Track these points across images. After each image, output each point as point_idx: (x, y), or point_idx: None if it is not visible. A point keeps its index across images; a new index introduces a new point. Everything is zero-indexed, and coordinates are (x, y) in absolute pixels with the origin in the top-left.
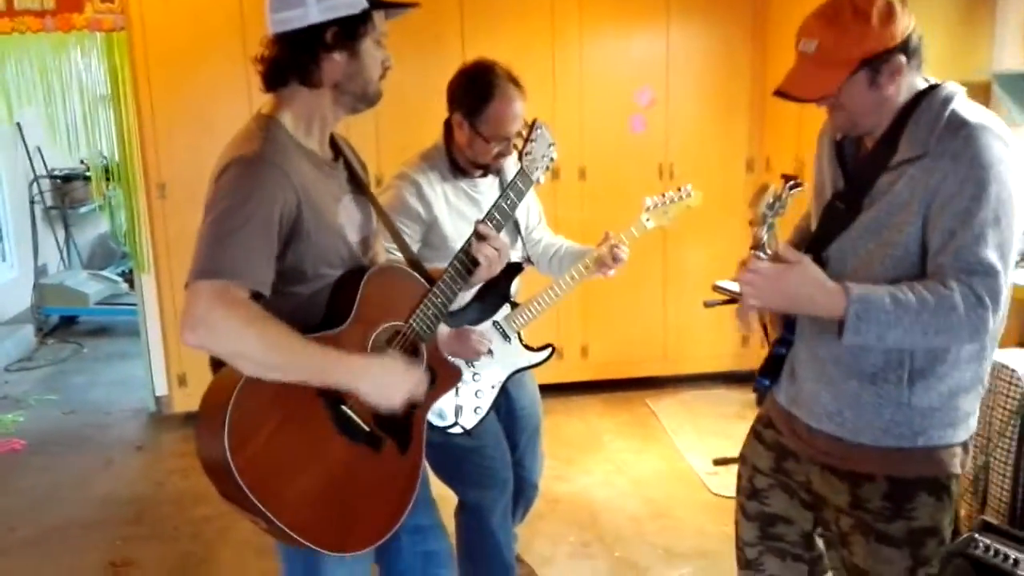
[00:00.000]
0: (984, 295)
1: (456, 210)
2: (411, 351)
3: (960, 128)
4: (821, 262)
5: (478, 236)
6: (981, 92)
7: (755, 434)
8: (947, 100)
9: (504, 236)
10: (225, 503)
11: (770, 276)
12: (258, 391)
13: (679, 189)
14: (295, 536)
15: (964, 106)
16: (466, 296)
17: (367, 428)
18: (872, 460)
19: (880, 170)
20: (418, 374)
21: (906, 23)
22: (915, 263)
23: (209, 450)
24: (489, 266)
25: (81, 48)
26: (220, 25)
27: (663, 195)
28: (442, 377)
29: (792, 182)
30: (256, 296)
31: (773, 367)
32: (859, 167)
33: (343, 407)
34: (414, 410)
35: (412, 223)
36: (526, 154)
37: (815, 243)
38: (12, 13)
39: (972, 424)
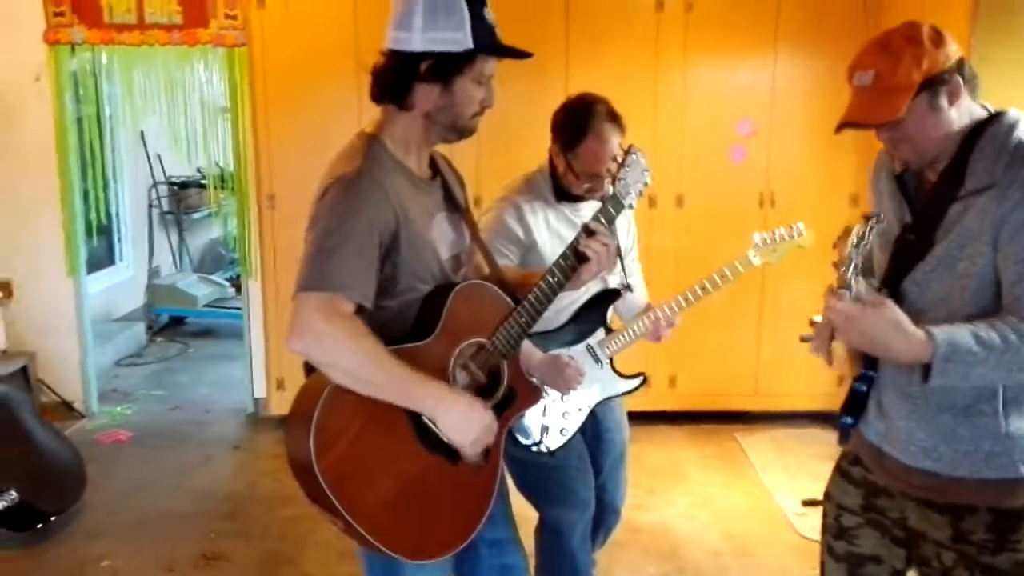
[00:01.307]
0: None
1: (556, 234)
2: (492, 368)
3: None
4: (898, 296)
5: (588, 232)
6: None
7: (841, 472)
8: (1012, 127)
9: None
10: (310, 505)
11: (851, 317)
12: (345, 397)
13: (791, 227)
14: (372, 540)
15: None
16: (563, 316)
17: (445, 439)
18: (973, 492)
19: (949, 201)
20: (489, 422)
21: (955, 47)
22: (994, 292)
23: (296, 451)
24: (598, 261)
25: (204, 62)
26: (335, 46)
27: (773, 232)
28: (522, 395)
29: (874, 219)
30: (358, 310)
31: (856, 405)
32: (927, 199)
33: (424, 418)
34: None
35: (511, 245)
36: (619, 179)
37: (890, 278)
38: (143, 27)
39: None
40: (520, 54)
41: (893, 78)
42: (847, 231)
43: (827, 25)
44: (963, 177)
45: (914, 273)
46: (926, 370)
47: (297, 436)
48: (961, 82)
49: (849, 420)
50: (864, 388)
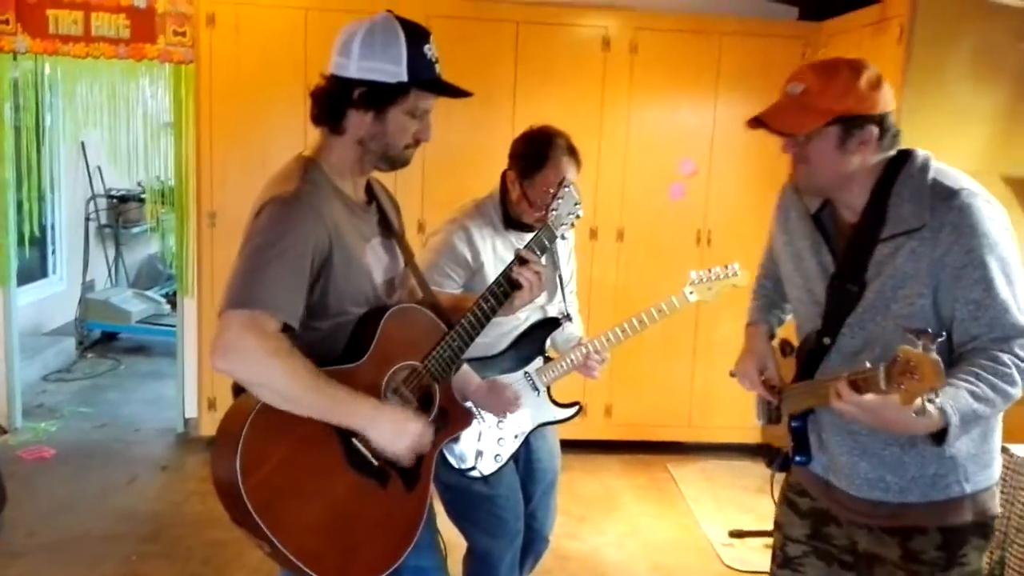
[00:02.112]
0: None
1: (502, 260)
2: (424, 391)
3: (951, 198)
4: (835, 341)
5: (520, 260)
6: (1022, 187)
7: (788, 502)
8: (925, 168)
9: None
10: (236, 528)
11: (872, 409)
12: (274, 418)
13: (726, 267)
14: (298, 563)
15: (942, 172)
16: (502, 343)
17: (376, 463)
18: (922, 515)
19: (873, 243)
20: (423, 428)
21: (889, 98)
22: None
23: (222, 472)
24: (531, 289)
25: (150, 77)
26: (284, 67)
27: (709, 271)
28: (454, 420)
29: (933, 340)
30: (285, 329)
31: (803, 442)
32: (850, 241)
33: (354, 440)
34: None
35: (458, 268)
36: (552, 211)
37: (826, 326)
38: (89, 39)
39: (999, 464)
40: (458, 92)
41: (816, 98)
42: (911, 360)
43: (766, 72)
44: (884, 218)
45: (851, 318)
46: (935, 438)
47: (223, 457)
48: (876, 134)
49: (803, 458)
50: (803, 424)
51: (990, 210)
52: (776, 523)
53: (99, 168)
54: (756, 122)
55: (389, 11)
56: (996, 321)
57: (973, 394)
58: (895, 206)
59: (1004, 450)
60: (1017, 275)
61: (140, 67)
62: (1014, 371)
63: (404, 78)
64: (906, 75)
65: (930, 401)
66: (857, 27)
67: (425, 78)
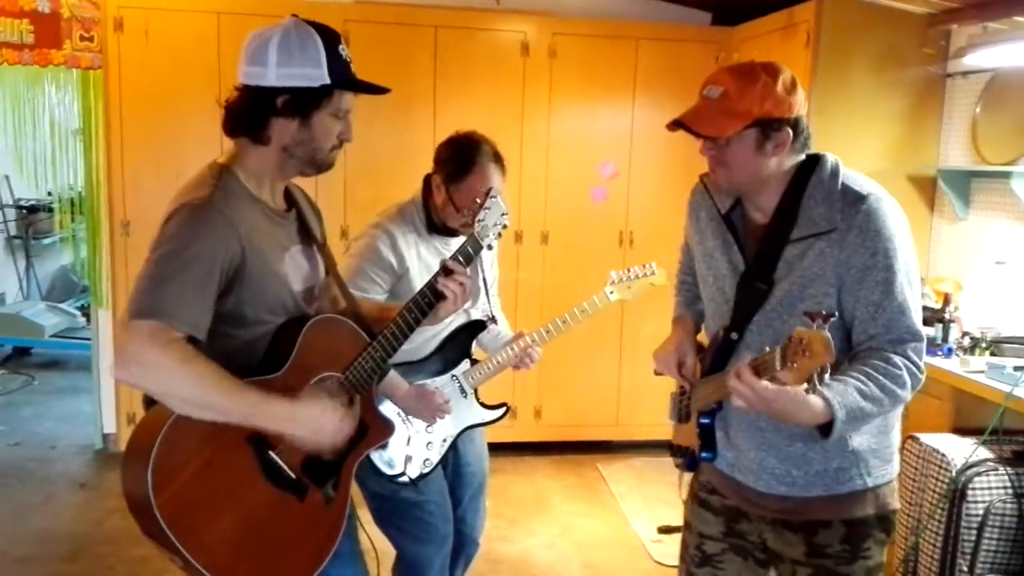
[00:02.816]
0: (918, 361)
1: (426, 265)
2: (346, 403)
3: (859, 202)
4: (743, 336)
5: (445, 271)
6: (927, 186)
7: (699, 501)
8: (835, 173)
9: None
10: (148, 541)
11: (767, 397)
12: (187, 430)
13: (644, 266)
14: None
15: (851, 177)
16: (428, 347)
17: (293, 476)
18: (827, 508)
19: (783, 244)
20: (343, 415)
21: (802, 101)
22: (834, 331)
23: (133, 486)
24: (455, 300)
25: (56, 83)
26: (196, 73)
27: (628, 270)
28: (374, 431)
29: (833, 316)
30: (192, 340)
31: (709, 439)
32: (761, 241)
33: (271, 453)
34: (342, 461)
35: (383, 272)
36: (479, 220)
37: (735, 322)
38: None
39: (898, 461)
40: (376, 89)
41: (736, 101)
42: (804, 340)
43: (681, 75)
44: (795, 219)
45: (758, 315)
46: (822, 429)
47: (134, 469)
48: (791, 136)
49: (709, 455)
50: (710, 421)
51: (896, 215)
52: (686, 523)
53: (7, 177)
54: (676, 125)
55: (295, 15)
56: (893, 323)
57: (861, 392)
58: (807, 209)
59: (913, 438)
60: (916, 281)
61: (46, 73)
62: (904, 373)
63: (327, 80)
64: (813, 78)
65: (819, 379)
66: (767, 32)
67: (345, 78)
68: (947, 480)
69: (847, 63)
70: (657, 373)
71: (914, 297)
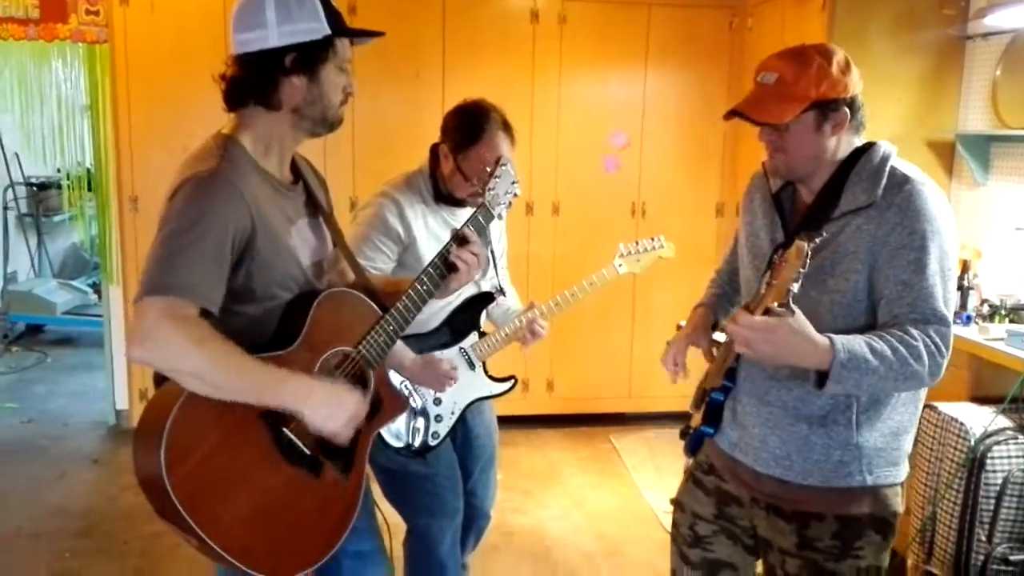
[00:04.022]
0: (941, 344)
1: (434, 235)
2: (358, 377)
3: (904, 183)
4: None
5: (459, 240)
6: (945, 151)
7: (694, 480)
8: (886, 157)
9: None
10: (162, 521)
11: (766, 329)
12: (199, 408)
13: (652, 239)
14: (228, 557)
15: (902, 164)
16: (436, 319)
17: (308, 452)
18: (821, 500)
19: (823, 221)
20: (358, 401)
21: (856, 81)
22: (862, 310)
23: (145, 465)
24: (468, 271)
25: (63, 58)
26: (202, 44)
27: (637, 243)
28: (388, 405)
29: (816, 240)
30: (205, 314)
31: (714, 415)
32: (802, 218)
33: (285, 430)
34: (357, 436)
35: (390, 242)
36: (489, 190)
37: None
38: None
39: (907, 466)
40: (373, 33)
41: (793, 86)
42: (783, 254)
43: (695, 43)
44: (838, 199)
45: None
46: (820, 377)
47: (147, 449)
48: (848, 115)
49: (710, 430)
50: (721, 398)
51: (941, 202)
52: (677, 502)
53: (16, 155)
54: (733, 114)
55: None
56: (918, 303)
57: (870, 346)
58: (851, 186)
59: (931, 407)
60: (952, 270)
61: (52, 48)
62: (921, 346)
63: (327, 31)
64: (830, 43)
65: (795, 288)
66: None
67: (343, 26)
68: (965, 449)
69: (864, 27)
70: (669, 344)
71: (945, 285)
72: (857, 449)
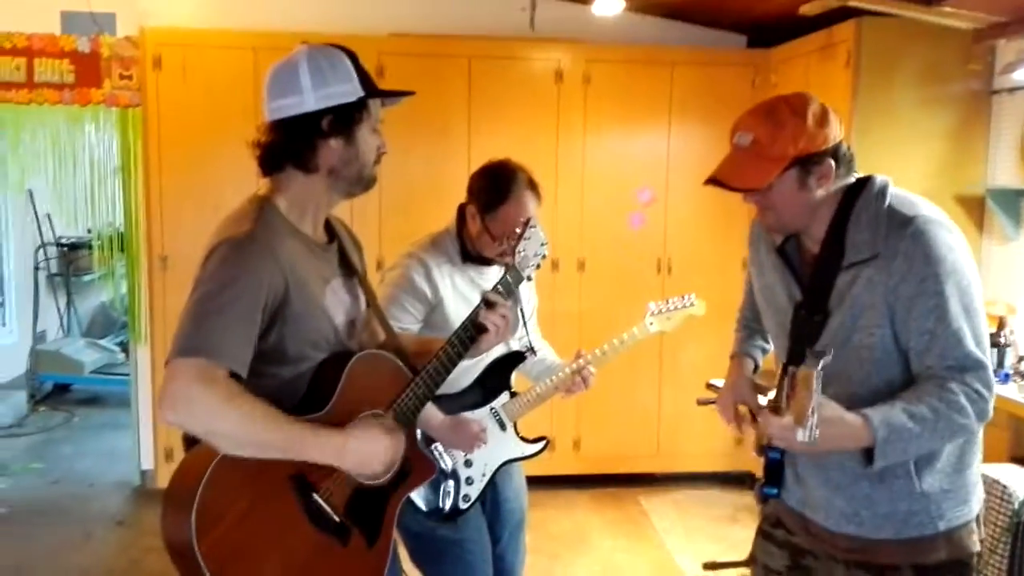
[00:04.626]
0: (982, 388)
1: (461, 295)
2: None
3: (905, 225)
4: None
5: (487, 304)
6: (975, 206)
7: (764, 535)
8: (881, 194)
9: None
10: None
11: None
12: (230, 473)
13: (683, 297)
14: None
15: (899, 198)
16: (467, 379)
17: (337, 518)
18: (896, 552)
19: (835, 272)
20: (393, 439)
21: (837, 128)
22: (895, 361)
23: (175, 531)
24: (498, 332)
25: (96, 122)
26: (232, 108)
27: (667, 301)
28: (417, 469)
29: (827, 356)
30: (234, 378)
31: (774, 473)
32: (813, 272)
33: (314, 495)
34: (385, 503)
35: (417, 303)
36: (518, 251)
37: (792, 356)
38: (32, 85)
39: (980, 492)
40: (404, 93)
41: (769, 147)
42: (792, 374)
43: (718, 100)
44: (843, 248)
45: (815, 346)
46: (868, 453)
47: (177, 515)
48: (833, 166)
49: (774, 491)
50: (779, 456)
51: (947, 237)
52: (752, 557)
53: (48, 216)
54: (712, 182)
55: (305, 42)
56: (948, 351)
57: (909, 412)
58: (852, 234)
59: None
60: (977, 305)
61: (85, 112)
62: (962, 398)
63: (361, 93)
64: (855, 99)
65: (813, 420)
66: (804, 53)
67: (375, 88)
68: (1009, 513)
69: (889, 82)
70: (699, 403)
71: (972, 323)
72: (924, 498)
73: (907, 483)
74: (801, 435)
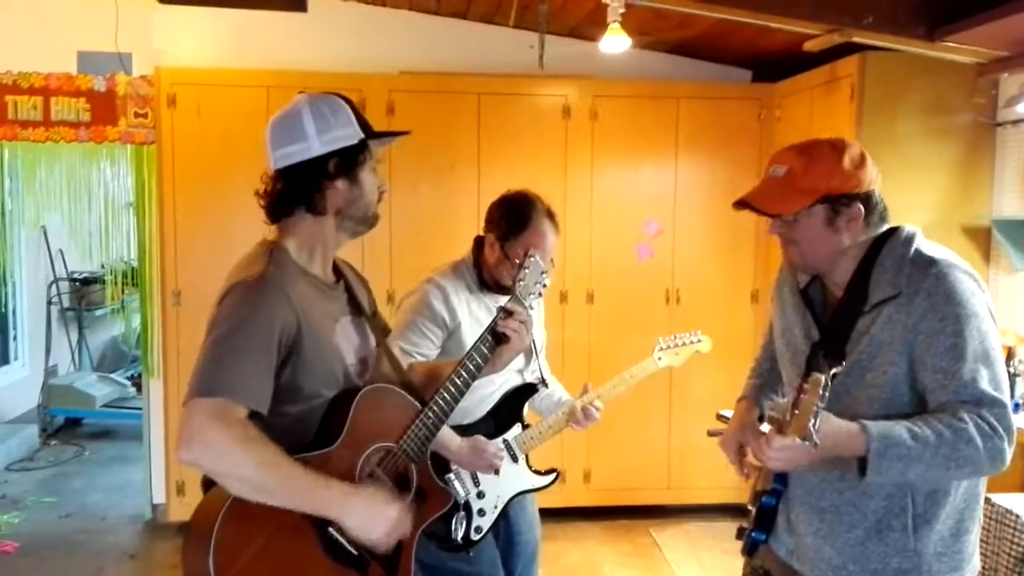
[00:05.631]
0: (997, 425)
1: (477, 320)
2: (401, 472)
3: (929, 266)
4: None
5: (505, 312)
6: (981, 237)
7: None
8: (909, 240)
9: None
10: None
11: (801, 449)
12: (246, 511)
13: (691, 334)
14: None
15: (926, 245)
16: (479, 411)
17: (355, 552)
18: None
19: (856, 317)
20: (399, 512)
21: (873, 176)
22: (904, 403)
23: (195, 569)
24: (519, 339)
25: (111, 158)
26: (246, 145)
27: (675, 337)
28: (432, 500)
29: (834, 374)
30: (254, 416)
31: (766, 519)
32: (833, 315)
33: (331, 529)
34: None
35: (436, 327)
36: (519, 281)
37: None
38: (49, 123)
39: (976, 563)
40: (399, 133)
41: (801, 178)
42: (815, 382)
43: (723, 133)
44: (867, 293)
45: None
46: (862, 464)
47: (196, 553)
48: (862, 211)
49: (762, 536)
50: (773, 502)
51: (969, 282)
52: None
53: (61, 251)
54: (741, 204)
55: (303, 92)
56: (962, 390)
57: (910, 431)
58: (876, 276)
59: (986, 500)
60: (996, 353)
61: (101, 149)
62: (971, 428)
63: (361, 135)
64: (859, 132)
65: (814, 422)
66: (809, 88)
67: (372, 130)
68: (1022, 543)
69: (893, 115)
70: (710, 434)
71: (991, 368)
72: (916, 556)
73: (903, 537)
74: (804, 437)
